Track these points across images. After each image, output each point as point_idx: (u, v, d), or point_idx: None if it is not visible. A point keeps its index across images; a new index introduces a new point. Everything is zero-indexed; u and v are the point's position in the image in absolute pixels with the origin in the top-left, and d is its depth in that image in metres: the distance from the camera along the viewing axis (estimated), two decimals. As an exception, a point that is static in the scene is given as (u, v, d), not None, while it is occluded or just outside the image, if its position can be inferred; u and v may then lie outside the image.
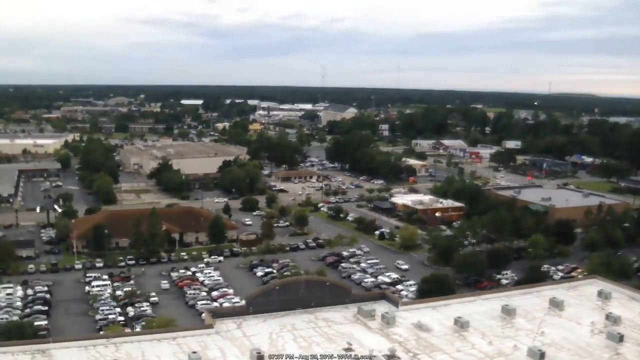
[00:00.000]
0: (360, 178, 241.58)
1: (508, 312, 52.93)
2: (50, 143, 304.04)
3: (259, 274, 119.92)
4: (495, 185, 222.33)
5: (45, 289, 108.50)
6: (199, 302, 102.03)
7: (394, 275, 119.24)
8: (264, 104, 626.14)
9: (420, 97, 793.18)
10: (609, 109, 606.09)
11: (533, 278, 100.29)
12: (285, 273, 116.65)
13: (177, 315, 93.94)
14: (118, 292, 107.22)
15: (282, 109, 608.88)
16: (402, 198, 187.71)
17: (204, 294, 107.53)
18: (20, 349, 43.32)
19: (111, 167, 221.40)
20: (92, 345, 44.65)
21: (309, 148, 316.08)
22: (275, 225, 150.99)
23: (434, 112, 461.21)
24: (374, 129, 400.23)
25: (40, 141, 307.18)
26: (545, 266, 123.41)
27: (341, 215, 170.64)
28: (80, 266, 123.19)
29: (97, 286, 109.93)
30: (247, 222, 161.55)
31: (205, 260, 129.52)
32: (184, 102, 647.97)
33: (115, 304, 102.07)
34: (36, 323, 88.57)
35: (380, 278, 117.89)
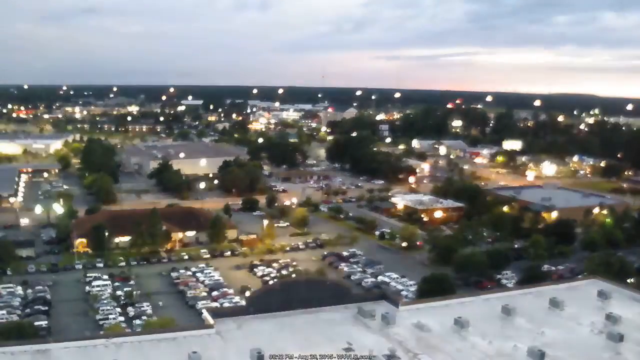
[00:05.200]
0: (361, 178, 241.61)
1: (508, 312, 52.87)
2: (51, 143, 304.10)
3: (259, 274, 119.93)
4: (495, 186, 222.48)
5: (46, 289, 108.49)
6: (199, 302, 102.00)
7: (394, 275, 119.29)
8: (264, 104, 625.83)
9: (420, 97, 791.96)
10: (609, 109, 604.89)
11: (533, 278, 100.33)
12: (285, 273, 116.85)
13: (177, 315, 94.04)
14: (118, 292, 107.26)
15: (282, 109, 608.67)
16: (402, 198, 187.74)
17: (204, 294, 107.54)
18: (20, 349, 43.22)
19: (111, 167, 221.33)
20: (92, 345, 44.55)
21: (308, 148, 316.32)
22: (276, 225, 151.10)
23: (434, 112, 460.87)
24: (374, 129, 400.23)
25: (40, 141, 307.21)
26: (546, 266, 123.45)
27: (341, 215, 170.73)
28: (80, 266, 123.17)
29: (97, 286, 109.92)
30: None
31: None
32: (184, 102, 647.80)
33: (115, 304, 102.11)
34: (36, 323, 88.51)
35: (380, 278, 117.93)
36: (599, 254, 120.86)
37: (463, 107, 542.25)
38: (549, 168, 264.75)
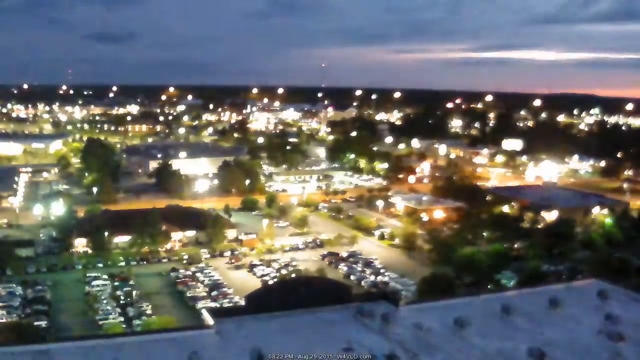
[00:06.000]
0: (361, 178, 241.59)
1: (508, 312, 52.91)
2: (50, 143, 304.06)
3: (259, 274, 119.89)
4: (495, 185, 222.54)
5: (45, 289, 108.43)
6: (199, 302, 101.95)
7: (394, 275, 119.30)
8: (264, 104, 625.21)
9: (420, 97, 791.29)
10: (609, 109, 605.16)
11: (533, 278, 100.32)
12: (285, 273, 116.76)
13: (177, 315, 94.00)
14: (118, 292, 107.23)
15: (282, 109, 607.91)
16: (402, 198, 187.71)
17: (204, 294, 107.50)
18: (20, 350, 43.26)
19: (111, 167, 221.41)
20: (92, 346, 44.61)
21: (308, 147, 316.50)
22: (275, 225, 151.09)
23: (434, 112, 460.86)
24: (374, 129, 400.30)
25: (40, 141, 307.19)
26: (546, 266, 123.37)
27: (341, 215, 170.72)
28: (80, 266, 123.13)
29: (97, 286, 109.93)
30: None
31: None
32: (183, 102, 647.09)
33: (114, 304, 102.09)
34: (36, 323, 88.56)
35: (380, 278, 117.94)
36: (599, 254, 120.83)
37: (463, 107, 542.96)
38: (549, 168, 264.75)
